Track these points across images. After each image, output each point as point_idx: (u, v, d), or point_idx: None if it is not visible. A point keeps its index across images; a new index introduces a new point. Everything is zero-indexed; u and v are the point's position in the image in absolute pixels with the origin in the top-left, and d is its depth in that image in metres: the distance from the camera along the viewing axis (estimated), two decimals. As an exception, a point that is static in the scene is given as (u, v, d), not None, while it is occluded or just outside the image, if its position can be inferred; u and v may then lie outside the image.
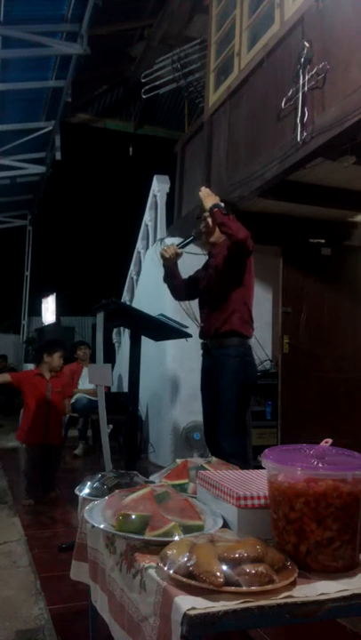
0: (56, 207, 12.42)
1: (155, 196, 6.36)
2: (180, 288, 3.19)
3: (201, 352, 3.10)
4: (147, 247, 6.72)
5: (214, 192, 3.01)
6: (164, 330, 3.19)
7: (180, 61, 6.76)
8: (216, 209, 2.84)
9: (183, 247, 3.04)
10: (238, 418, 2.85)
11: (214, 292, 2.98)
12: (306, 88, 3.60)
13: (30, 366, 7.36)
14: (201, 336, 3.09)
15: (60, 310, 10.18)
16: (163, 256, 3.06)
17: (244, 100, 4.67)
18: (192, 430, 5.07)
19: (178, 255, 3.05)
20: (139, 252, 7.04)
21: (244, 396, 2.89)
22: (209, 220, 3.02)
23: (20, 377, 4.30)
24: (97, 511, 1.39)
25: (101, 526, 1.30)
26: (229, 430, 2.80)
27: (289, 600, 1.00)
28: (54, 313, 10.04)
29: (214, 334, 2.92)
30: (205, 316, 3.05)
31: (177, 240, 5.53)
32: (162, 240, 5.82)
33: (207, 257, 3.26)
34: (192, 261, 3.42)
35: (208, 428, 3.04)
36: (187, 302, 3.73)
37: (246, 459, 2.73)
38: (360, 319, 5.34)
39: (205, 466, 1.66)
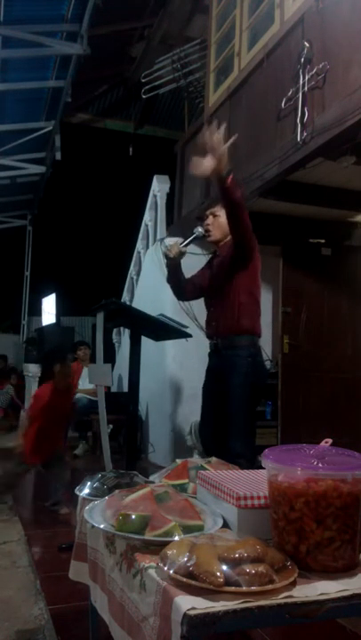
0: (56, 207, 12.41)
1: (155, 196, 6.36)
2: (184, 288, 3.12)
3: (208, 352, 3.04)
4: (147, 247, 6.72)
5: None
6: (164, 330, 3.18)
7: (180, 61, 6.77)
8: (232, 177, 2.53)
9: (186, 246, 2.95)
10: (248, 418, 2.85)
11: (221, 289, 2.90)
12: (306, 88, 3.60)
13: (30, 366, 7.36)
14: (209, 336, 3.02)
15: (60, 310, 10.16)
16: (166, 255, 2.98)
17: (244, 100, 4.67)
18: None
19: (182, 254, 2.95)
20: (139, 252, 7.04)
21: (254, 396, 2.89)
22: (211, 219, 2.93)
23: None
24: (97, 511, 1.39)
25: (101, 526, 1.30)
26: (239, 431, 2.78)
27: (289, 600, 1.00)
28: (54, 313, 10.04)
29: (226, 334, 2.86)
30: (213, 315, 2.97)
31: (176, 240, 5.56)
32: (162, 240, 5.82)
33: (210, 256, 3.21)
34: (193, 262, 3.39)
35: (205, 427, 3.02)
36: (187, 302, 3.68)
37: (253, 460, 2.71)
38: (360, 319, 5.34)
39: (205, 466, 1.66)
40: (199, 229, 2.95)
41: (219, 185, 2.50)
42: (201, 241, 3.11)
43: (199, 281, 3.09)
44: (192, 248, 3.15)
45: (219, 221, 2.91)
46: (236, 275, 2.84)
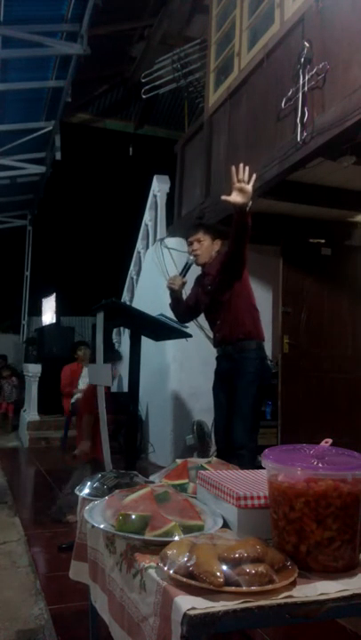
0: (56, 207, 12.41)
1: (155, 196, 6.36)
2: (186, 312, 3.38)
3: (216, 355, 3.27)
4: (147, 247, 6.71)
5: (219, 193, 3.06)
6: (164, 330, 3.19)
7: (180, 61, 6.77)
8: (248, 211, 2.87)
9: (185, 274, 3.26)
10: (253, 414, 3.07)
11: (220, 303, 3.12)
12: (306, 88, 3.60)
13: (30, 366, 7.36)
14: (217, 345, 3.25)
15: (60, 310, 10.15)
16: (172, 289, 3.27)
17: (244, 100, 4.67)
18: (203, 425, 5.09)
19: (184, 284, 3.28)
20: (139, 252, 7.04)
21: (260, 394, 3.12)
22: (197, 245, 3.19)
23: None
24: (97, 511, 1.39)
25: (101, 526, 1.30)
26: (245, 425, 3.00)
27: (289, 600, 0.99)
28: (54, 313, 10.03)
29: (235, 341, 3.09)
30: (218, 327, 3.20)
31: (176, 240, 5.57)
32: (162, 240, 5.82)
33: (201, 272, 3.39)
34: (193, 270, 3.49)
35: (220, 427, 3.18)
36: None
37: (255, 454, 2.87)
38: (360, 319, 5.34)
39: (205, 466, 1.66)
40: (190, 258, 3.26)
41: (239, 211, 2.80)
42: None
43: (193, 302, 3.36)
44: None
45: (204, 245, 3.21)
46: (232, 286, 3.08)
